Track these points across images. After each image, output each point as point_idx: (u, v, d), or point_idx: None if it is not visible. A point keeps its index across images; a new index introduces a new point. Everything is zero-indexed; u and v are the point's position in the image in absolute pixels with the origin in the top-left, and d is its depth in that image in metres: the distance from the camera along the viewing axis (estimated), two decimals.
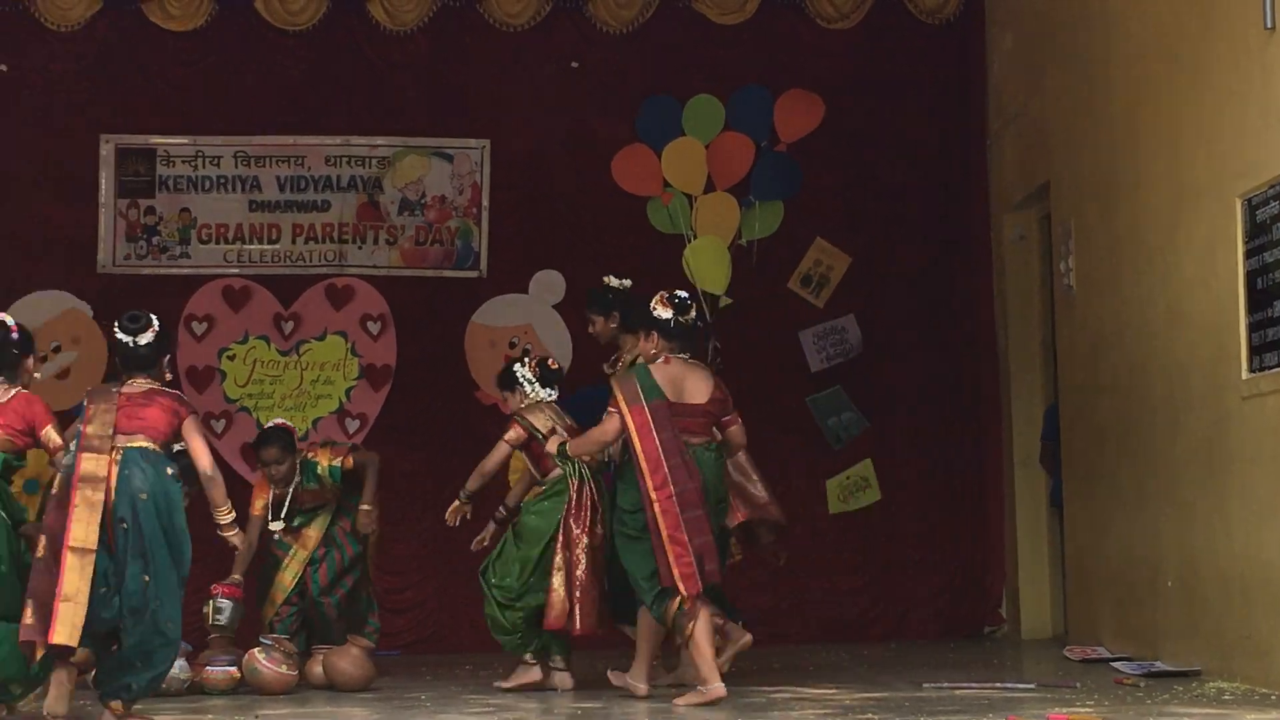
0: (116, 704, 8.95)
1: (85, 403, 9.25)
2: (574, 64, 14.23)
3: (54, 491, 9.06)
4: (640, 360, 10.28)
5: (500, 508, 11.17)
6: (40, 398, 9.42)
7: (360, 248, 14.10)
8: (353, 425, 13.77)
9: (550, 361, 11.36)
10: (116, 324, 9.37)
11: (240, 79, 14.11)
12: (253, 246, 14.06)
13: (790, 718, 8.72)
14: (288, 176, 14.06)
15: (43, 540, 8.92)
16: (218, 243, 14.04)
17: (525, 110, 14.24)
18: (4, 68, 13.91)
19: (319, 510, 11.42)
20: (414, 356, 13.99)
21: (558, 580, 10.43)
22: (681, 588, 9.50)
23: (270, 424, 11.80)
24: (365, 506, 11.32)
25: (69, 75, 14.03)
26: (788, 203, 14.17)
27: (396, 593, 13.61)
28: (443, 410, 13.69)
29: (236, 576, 10.97)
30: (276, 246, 14.06)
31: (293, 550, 11.36)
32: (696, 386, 10.02)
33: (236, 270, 14.06)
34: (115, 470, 8.97)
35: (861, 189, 14.30)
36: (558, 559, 10.46)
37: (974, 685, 10.05)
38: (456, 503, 11.02)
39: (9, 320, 9.34)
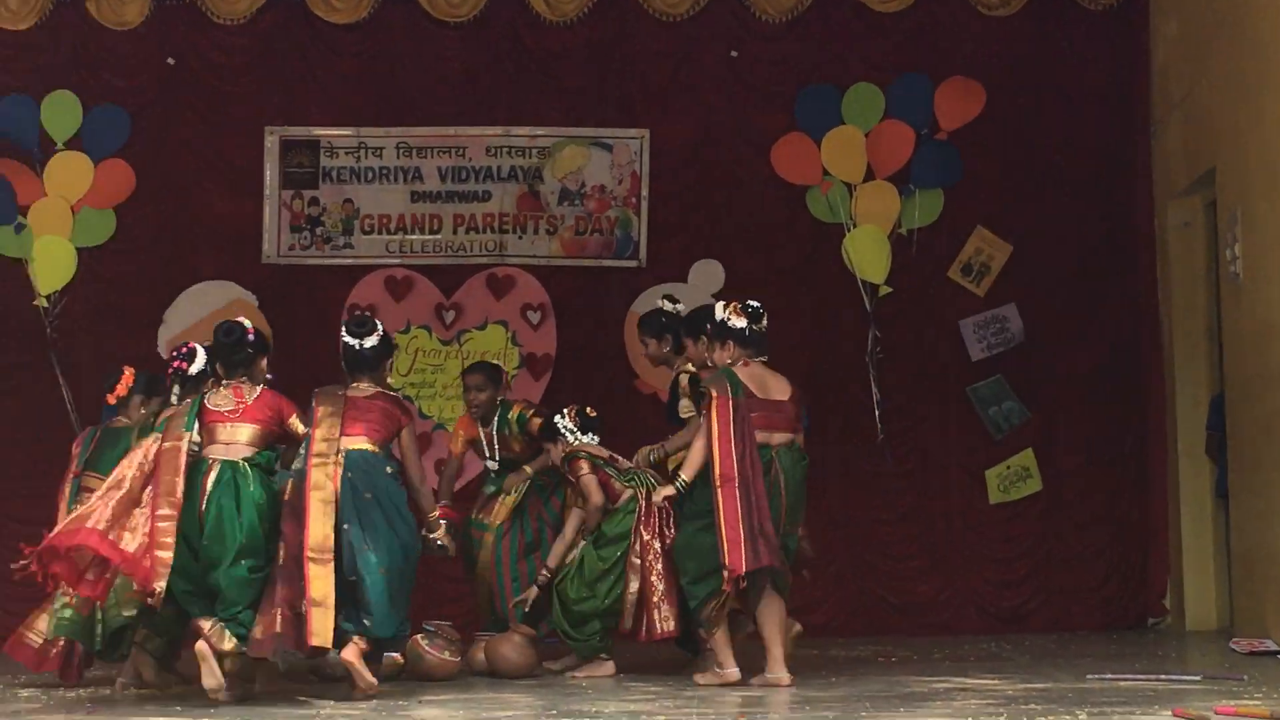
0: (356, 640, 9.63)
1: (313, 404, 9.88)
2: (733, 53, 14.21)
3: (286, 498, 9.65)
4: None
5: (543, 570, 11.23)
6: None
7: (520, 238, 14.16)
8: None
9: (589, 410, 11.49)
10: (343, 327, 10.09)
11: (402, 71, 14.21)
12: (414, 237, 14.16)
13: (953, 708, 8.66)
14: (449, 167, 14.15)
15: (283, 547, 9.56)
16: (380, 233, 14.15)
17: (684, 100, 14.25)
18: (171, 61, 14.09)
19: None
20: (574, 346, 14.04)
21: (633, 585, 10.74)
22: (726, 563, 9.81)
23: None
24: (525, 468, 11.61)
25: (234, 68, 14.20)
26: (948, 191, 14.08)
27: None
28: (602, 399, 13.63)
29: (445, 501, 11.40)
30: (438, 237, 14.16)
31: (486, 525, 11.53)
32: (778, 385, 10.34)
33: (398, 260, 14.17)
34: (339, 473, 9.62)
35: (1023, 177, 14.18)
36: (627, 565, 10.78)
37: (1138, 677, 9.93)
38: (583, 543, 11.09)
39: (246, 323, 9.95)
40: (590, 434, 11.26)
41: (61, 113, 13.87)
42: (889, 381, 13.96)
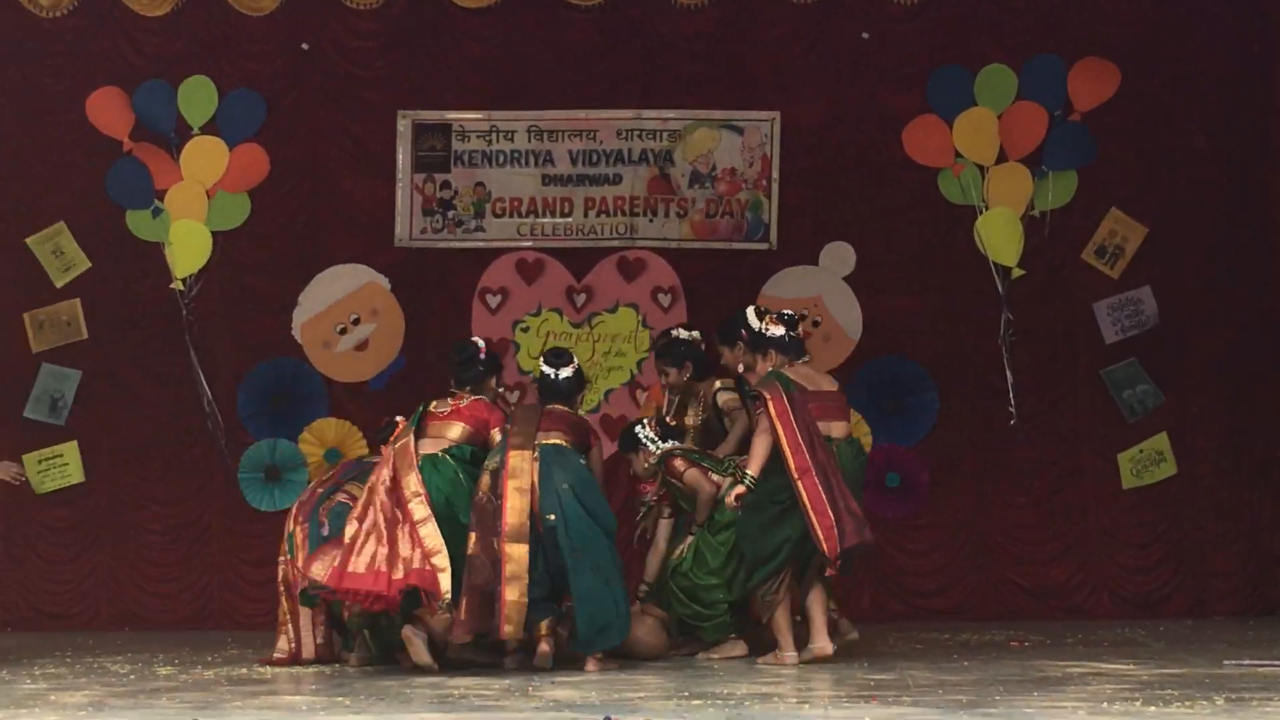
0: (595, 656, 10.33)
1: (513, 413, 10.83)
2: (864, 35, 14.12)
3: (480, 492, 10.31)
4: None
5: (642, 586, 11.38)
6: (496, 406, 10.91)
7: (651, 221, 14.16)
8: (643, 397, 13.82)
9: (669, 419, 11.64)
10: (542, 358, 10.93)
11: (533, 55, 14.22)
12: (545, 220, 14.19)
13: (1087, 693, 8.61)
14: (580, 150, 14.16)
15: (474, 537, 10.21)
16: (511, 216, 14.19)
17: (815, 82, 14.18)
18: (305, 46, 14.18)
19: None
20: (705, 328, 13.97)
21: None
22: (824, 548, 10.22)
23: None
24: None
25: (367, 53, 14.25)
26: (1081, 173, 13.95)
27: None
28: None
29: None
30: (569, 220, 14.18)
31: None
32: (826, 380, 10.96)
33: (530, 243, 14.20)
34: (537, 467, 10.22)
35: (1158, 158, 14.03)
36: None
37: (1278, 663, 9.81)
38: (692, 538, 11.20)
39: (479, 342, 10.95)
40: (670, 442, 11.33)
41: (198, 98, 14.00)
42: (1021, 364, 13.87)
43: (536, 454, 10.32)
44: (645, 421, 11.49)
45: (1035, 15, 14.01)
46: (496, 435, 10.55)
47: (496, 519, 10.16)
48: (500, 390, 11.31)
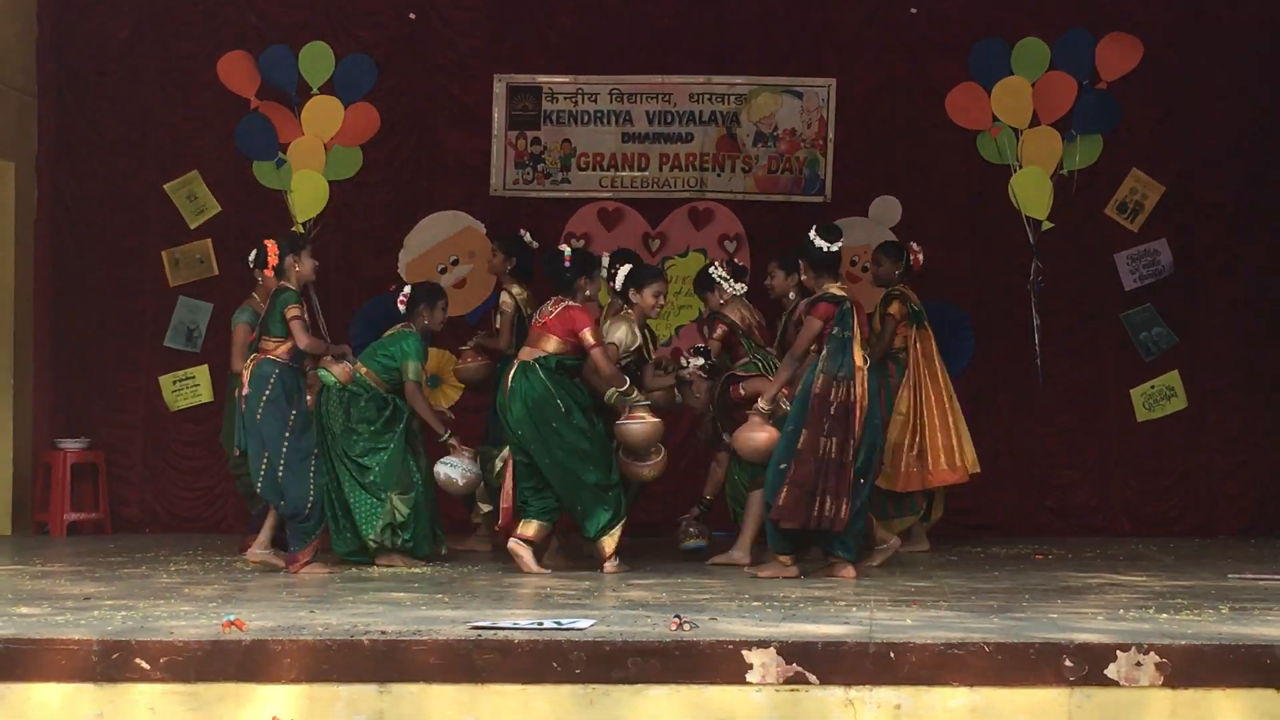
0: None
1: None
2: (913, 10, 14.06)
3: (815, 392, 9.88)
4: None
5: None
6: (584, 309, 10.61)
7: (719, 175, 14.15)
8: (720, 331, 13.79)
9: (736, 259, 11.85)
10: (815, 229, 10.36)
11: (616, 25, 14.22)
12: (625, 173, 14.20)
13: (1105, 601, 8.61)
14: (656, 111, 14.15)
15: (805, 433, 9.80)
16: (594, 170, 14.21)
17: (868, 52, 14.14)
18: (412, 15, 14.21)
19: None
20: (766, 272, 13.96)
21: None
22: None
23: None
24: None
25: (468, 22, 14.28)
26: (1107, 136, 13.79)
27: None
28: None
29: None
30: (645, 173, 14.18)
31: None
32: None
33: (610, 194, 14.22)
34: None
35: (1177, 124, 13.94)
36: None
37: (1276, 577, 9.78)
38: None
39: (566, 250, 10.87)
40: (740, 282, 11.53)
41: (317, 61, 13.96)
42: (1049, 308, 13.77)
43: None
44: (716, 263, 11.60)
45: None
46: (588, 336, 10.37)
47: (846, 421, 9.78)
48: (589, 293, 11.03)
